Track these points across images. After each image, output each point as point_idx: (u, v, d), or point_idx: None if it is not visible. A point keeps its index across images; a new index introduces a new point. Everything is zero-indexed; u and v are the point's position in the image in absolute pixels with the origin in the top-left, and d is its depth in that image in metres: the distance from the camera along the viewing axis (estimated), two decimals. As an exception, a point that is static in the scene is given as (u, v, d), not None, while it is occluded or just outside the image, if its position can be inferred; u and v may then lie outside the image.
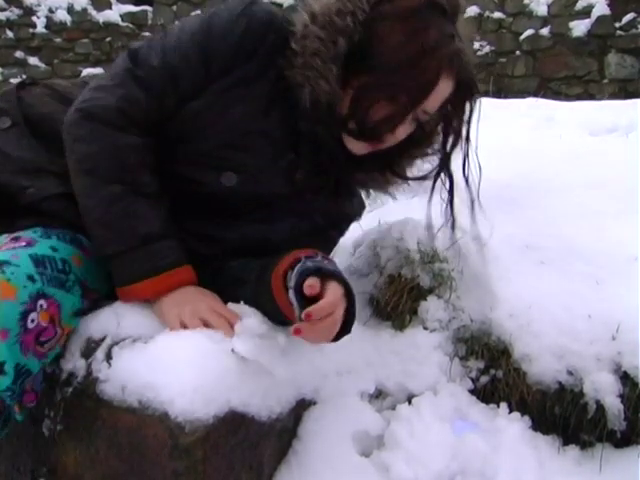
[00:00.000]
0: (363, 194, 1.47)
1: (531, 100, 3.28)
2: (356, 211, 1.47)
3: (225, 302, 1.23)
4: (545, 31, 7.14)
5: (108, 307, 1.23)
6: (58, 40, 8.82)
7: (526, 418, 1.39)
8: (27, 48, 8.77)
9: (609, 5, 6.77)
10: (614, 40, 6.81)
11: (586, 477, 1.30)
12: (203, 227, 1.30)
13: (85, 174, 1.20)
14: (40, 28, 8.77)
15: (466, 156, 1.31)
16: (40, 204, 1.24)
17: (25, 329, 1.06)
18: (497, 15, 7.36)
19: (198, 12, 6.74)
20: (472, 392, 1.44)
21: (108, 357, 1.14)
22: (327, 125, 1.20)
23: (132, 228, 1.18)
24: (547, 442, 1.37)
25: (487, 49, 7.42)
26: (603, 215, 1.66)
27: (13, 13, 8.75)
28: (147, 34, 8.43)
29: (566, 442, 1.38)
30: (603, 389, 1.33)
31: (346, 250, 1.71)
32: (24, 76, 8.43)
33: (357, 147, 1.24)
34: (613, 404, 1.32)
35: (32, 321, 1.07)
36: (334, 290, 1.07)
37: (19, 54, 8.76)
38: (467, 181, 1.32)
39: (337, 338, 1.11)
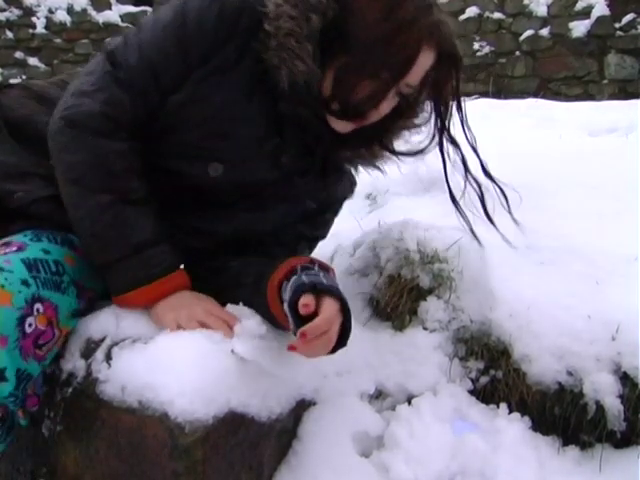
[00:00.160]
0: (352, 170, 1.45)
1: (531, 100, 3.29)
2: (347, 189, 1.46)
3: (224, 303, 1.23)
4: (545, 32, 7.13)
5: (108, 308, 1.23)
6: (58, 41, 8.82)
7: (526, 418, 1.39)
8: (27, 49, 8.77)
9: (609, 6, 6.77)
10: (614, 41, 6.81)
11: (586, 477, 1.30)
12: (194, 220, 1.29)
13: (72, 184, 1.18)
14: (40, 29, 8.77)
15: (463, 123, 1.30)
16: (29, 208, 1.23)
17: (23, 334, 1.05)
18: (497, 15, 7.36)
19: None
20: (472, 392, 1.44)
21: (108, 357, 1.14)
22: (309, 105, 1.19)
23: (123, 237, 1.17)
24: (547, 442, 1.37)
25: (487, 49, 7.41)
26: (603, 215, 1.66)
27: (13, 14, 8.75)
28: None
29: (566, 442, 1.38)
30: (603, 389, 1.33)
31: (346, 250, 1.71)
32: (24, 77, 8.44)
33: (341, 126, 1.22)
34: (613, 405, 1.32)
35: (30, 325, 1.07)
36: (329, 307, 1.06)
37: (19, 55, 8.76)
38: (474, 150, 1.32)
39: (333, 351, 1.11)
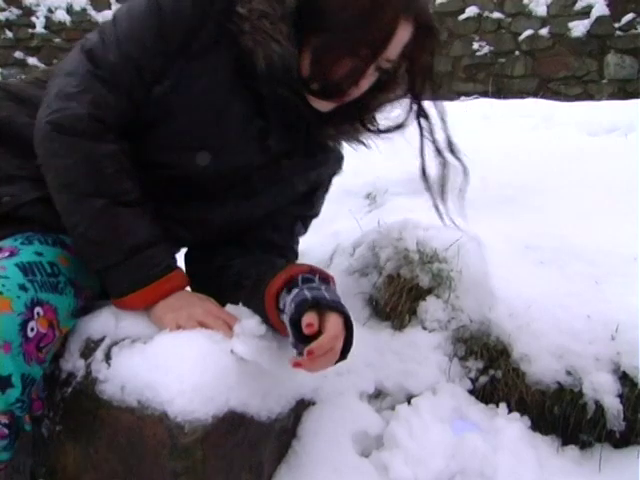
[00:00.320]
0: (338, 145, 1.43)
1: (530, 100, 3.29)
2: (335, 166, 1.44)
3: (224, 304, 1.23)
4: (544, 31, 7.13)
5: (107, 308, 1.22)
6: (57, 40, 8.81)
7: (525, 418, 1.39)
8: (26, 48, 8.77)
9: (608, 5, 6.77)
10: (613, 40, 6.80)
11: (585, 477, 1.31)
12: (185, 211, 1.28)
13: (64, 189, 1.17)
14: (39, 28, 8.76)
15: (435, 98, 1.28)
16: (17, 211, 1.22)
17: (26, 339, 1.05)
18: (496, 15, 7.35)
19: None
20: (471, 392, 1.44)
21: (107, 357, 1.14)
22: (288, 86, 1.17)
23: (118, 241, 1.16)
24: (546, 442, 1.38)
25: (486, 49, 7.41)
26: (602, 215, 1.66)
27: (12, 13, 8.75)
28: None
29: (565, 442, 1.38)
30: (602, 389, 1.33)
31: (345, 250, 1.72)
32: (23, 76, 8.43)
33: (322, 105, 1.21)
34: (612, 404, 1.32)
35: (32, 330, 1.06)
36: (334, 324, 1.06)
37: (18, 54, 8.76)
38: (443, 120, 1.28)
39: (334, 364, 1.11)
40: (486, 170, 1.95)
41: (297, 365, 1.04)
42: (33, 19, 8.77)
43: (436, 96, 1.28)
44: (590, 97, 6.41)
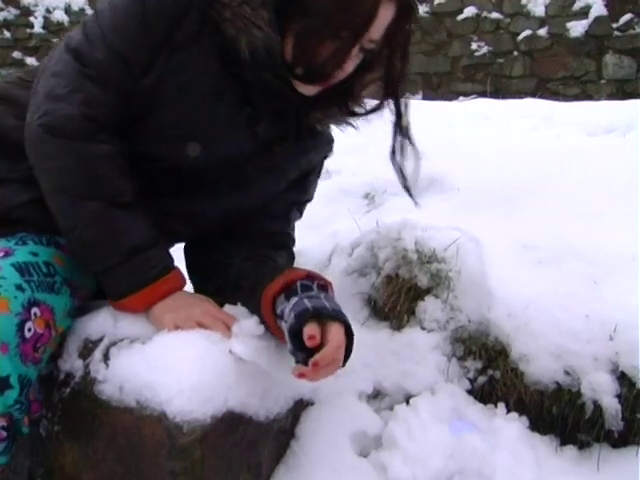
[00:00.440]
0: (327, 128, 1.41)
1: (529, 100, 3.29)
2: (326, 149, 1.43)
3: (222, 303, 1.23)
4: (543, 32, 7.13)
5: (105, 308, 1.22)
6: (55, 40, 8.76)
7: (524, 418, 1.39)
8: (24, 48, 8.76)
9: (606, 6, 6.77)
10: (611, 41, 6.80)
11: (584, 477, 1.31)
12: (179, 205, 1.28)
13: (59, 193, 1.16)
14: (37, 28, 8.76)
15: (403, 76, 1.25)
16: (10, 214, 1.21)
17: (23, 339, 1.05)
18: (495, 15, 7.35)
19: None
20: (470, 392, 1.44)
21: (106, 358, 1.14)
22: (272, 71, 1.16)
23: (115, 244, 1.15)
24: (545, 442, 1.38)
25: (485, 50, 7.41)
26: (600, 215, 1.66)
27: (10, 13, 8.75)
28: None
29: (564, 442, 1.38)
30: (601, 389, 1.33)
31: (344, 250, 1.72)
32: (22, 76, 8.41)
33: (308, 89, 1.20)
34: (610, 404, 1.32)
35: (29, 330, 1.06)
36: (337, 334, 1.06)
37: (16, 54, 8.75)
38: (405, 107, 1.27)
39: None
40: (484, 170, 1.96)
41: (301, 376, 1.05)
42: (31, 19, 8.77)
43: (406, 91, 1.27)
44: (588, 97, 6.41)
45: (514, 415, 1.39)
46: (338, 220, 1.98)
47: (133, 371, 1.09)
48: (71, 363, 1.18)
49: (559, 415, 1.37)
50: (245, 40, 1.13)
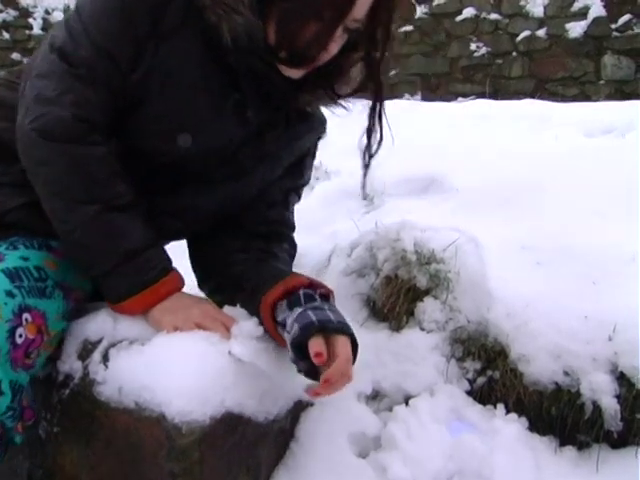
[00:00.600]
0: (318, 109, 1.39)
1: (527, 101, 3.29)
2: (319, 130, 1.41)
3: (222, 304, 1.23)
4: (541, 32, 7.14)
5: (104, 309, 1.22)
6: (54, 42, 8.81)
7: (523, 419, 1.39)
8: (23, 50, 8.76)
9: (605, 7, 6.78)
10: (610, 41, 6.81)
11: (583, 477, 1.31)
12: (174, 199, 1.27)
13: (56, 197, 1.14)
14: (36, 30, 8.76)
15: (384, 53, 1.22)
16: (3, 218, 1.21)
17: (15, 345, 1.04)
18: (493, 16, 7.36)
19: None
20: (469, 393, 1.44)
21: (105, 359, 1.14)
22: (256, 56, 1.14)
23: (113, 247, 1.15)
24: (544, 443, 1.37)
25: (483, 50, 7.42)
26: (599, 216, 1.66)
27: (9, 15, 8.75)
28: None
29: (563, 443, 1.38)
30: (600, 389, 1.33)
31: (343, 251, 1.72)
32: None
33: (293, 73, 1.18)
34: (610, 405, 1.32)
35: (20, 336, 1.05)
36: (344, 347, 1.06)
37: (15, 56, 8.75)
38: (381, 89, 1.25)
39: None
40: (483, 171, 1.96)
41: (316, 394, 1.06)
42: (30, 21, 8.78)
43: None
44: (587, 98, 6.42)
45: (513, 416, 1.39)
46: (337, 221, 1.98)
47: (132, 372, 1.09)
48: (70, 364, 1.18)
49: (558, 416, 1.37)
50: (226, 26, 1.11)
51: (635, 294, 1.36)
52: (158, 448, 1.05)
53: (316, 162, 1.49)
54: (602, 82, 6.88)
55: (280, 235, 1.38)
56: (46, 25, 8.74)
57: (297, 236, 1.45)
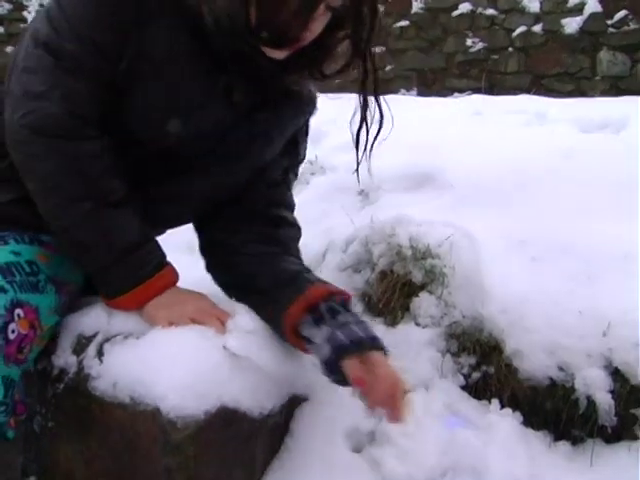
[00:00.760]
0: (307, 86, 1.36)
1: (523, 97, 3.29)
2: (310, 107, 1.38)
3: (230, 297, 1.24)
4: (537, 28, 7.13)
5: (99, 303, 1.22)
6: (49, 35, 8.77)
7: (517, 414, 1.39)
8: (18, 43, 8.72)
9: (601, 2, 6.78)
10: (606, 37, 6.81)
11: (577, 472, 1.31)
12: (168, 187, 1.25)
13: (49, 194, 1.13)
14: (31, 23, 8.72)
15: (372, 33, 1.19)
16: None
17: (7, 341, 1.03)
18: (489, 12, 7.35)
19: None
20: (464, 388, 1.44)
21: (100, 353, 1.14)
22: (238, 38, 1.12)
23: (109, 243, 1.14)
24: (538, 438, 1.38)
25: (479, 46, 7.41)
26: (594, 211, 1.67)
27: (3, 8, 8.70)
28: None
29: (557, 438, 1.39)
30: (594, 385, 1.33)
31: (338, 247, 1.72)
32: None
33: (277, 53, 1.15)
34: (604, 400, 1.33)
35: (12, 332, 1.04)
36: (384, 368, 1.14)
37: (10, 49, 8.71)
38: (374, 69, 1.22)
39: None
40: (479, 166, 1.96)
41: (395, 419, 1.17)
42: (25, 14, 8.72)
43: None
44: (583, 94, 6.41)
45: (508, 411, 1.39)
46: (332, 216, 1.97)
47: (127, 367, 1.09)
48: (65, 359, 1.18)
49: (553, 411, 1.38)
50: (206, 8, 1.09)
51: (629, 290, 1.37)
52: (153, 443, 1.05)
53: (312, 157, 1.49)
54: (598, 78, 6.88)
55: (285, 219, 1.36)
56: (41, 18, 8.70)
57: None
